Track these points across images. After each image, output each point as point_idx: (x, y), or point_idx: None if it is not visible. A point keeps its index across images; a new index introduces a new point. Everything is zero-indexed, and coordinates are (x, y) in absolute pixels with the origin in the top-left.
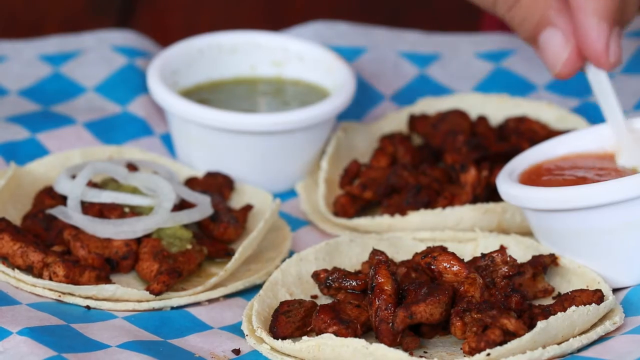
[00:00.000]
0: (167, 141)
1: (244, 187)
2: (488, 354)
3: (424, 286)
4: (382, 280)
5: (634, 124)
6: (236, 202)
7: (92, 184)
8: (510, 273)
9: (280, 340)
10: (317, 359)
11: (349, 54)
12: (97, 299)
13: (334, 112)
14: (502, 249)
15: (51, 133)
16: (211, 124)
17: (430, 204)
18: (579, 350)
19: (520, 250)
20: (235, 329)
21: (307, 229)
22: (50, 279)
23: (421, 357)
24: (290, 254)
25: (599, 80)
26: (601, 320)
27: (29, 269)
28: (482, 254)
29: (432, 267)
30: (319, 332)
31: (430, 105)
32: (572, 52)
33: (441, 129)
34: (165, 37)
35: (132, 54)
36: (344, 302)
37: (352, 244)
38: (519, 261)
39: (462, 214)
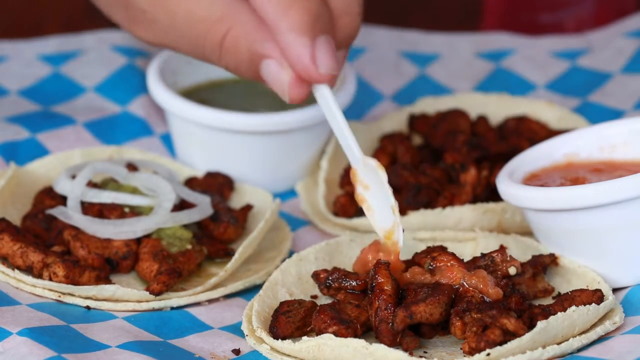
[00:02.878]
0: (167, 141)
1: (244, 187)
2: (488, 354)
3: (424, 286)
4: (382, 280)
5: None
6: (236, 202)
7: (92, 184)
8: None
9: (280, 340)
10: (317, 359)
11: (349, 54)
12: (97, 299)
13: None
14: (502, 249)
15: (51, 133)
16: (211, 124)
17: (430, 204)
18: (579, 350)
19: (520, 250)
20: (235, 329)
21: (307, 229)
22: (50, 279)
23: (421, 357)
24: (290, 254)
25: (322, 96)
26: (601, 320)
27: (29, 269)
28: (482, 253)
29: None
30: (319, 332)
31: (430, 105)
32: (292, 76)
33: (441, 128)
34: None
35: (132, 53)
36: (344, 302)
37: (352, 244)
38: (519, 261)
39: (462, 214)
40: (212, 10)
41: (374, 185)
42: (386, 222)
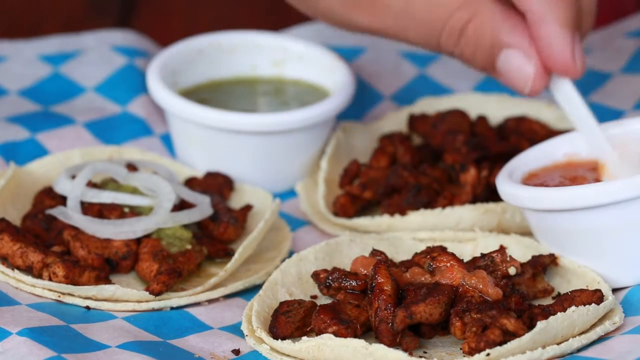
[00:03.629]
0: (167, 141)
1: (244, 187)
2: (488, 354)
3: (423, 286)
4: (382, 280)
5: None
6: (236, 202)
7: (91, 184)
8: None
9: (280, 340)
10: (317, 359)
11: (349, 54)
12: (96, 299)
13: (333, 112)
14: (502, 249)
15: (51, 133)
16: (211, 124)
17: (430, 204)
18: (579, 350)
19: (520, 250)
20: (235, 329)
21: (307, 229)
22: (50, 280)
23: (421, 357)
24: (290, 254)
25: (565, 91)
26: (601, 320)
27: (28, 270)
28: (481, 254)
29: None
30: (319, 332)
31: (430, 105)
32: (537, 67)
33: (441, 128)
34: (165, 37)
35: (132, 54)
36: (343, 302)
37: (352, 244)
38: (518, 261)
39: (461, 214)
40: None
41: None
42: None
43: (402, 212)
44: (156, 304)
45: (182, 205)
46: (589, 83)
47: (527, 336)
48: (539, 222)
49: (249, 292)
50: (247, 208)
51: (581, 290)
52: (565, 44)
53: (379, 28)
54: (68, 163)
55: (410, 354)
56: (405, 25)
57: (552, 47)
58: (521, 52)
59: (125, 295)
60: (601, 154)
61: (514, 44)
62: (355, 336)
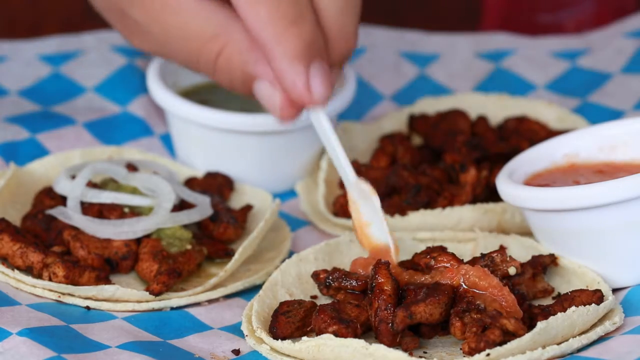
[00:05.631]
0: (167, 141)
1: (244, 187)
2: (488, 354)
3: (423, 286)
4: (382, 280)
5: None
6: (236, 202)
7: (91, 184)
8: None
9: (279, 340)
10: (316, 359)
11: None
12: (96, 300)
13: (333, 112)
14: (502, 249)
15: (51, 133)
16: (211, 124)
17: (430, 204)
18: (579, 350)
19: (520, 251)
20: (235, 330)
21: (307, 229)
22: (50, 280)
23: (421, 357)
24: (290, 254)
25: (316, 118)
26: (601, 320)
27: (28, 270)
28: (481, 254)
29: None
30: (319, 332)
31: (430, 105)
32: (283, 97)
33: (441, 129)
34: None
35: (131, 54)
36: (343, 302)
37: (352, 244)
38: (518, 261)
39: (461, 214)
40: (206, 27)
41: (367, 207)
42: (378, 238)
43: (402, 212)
44: (156, 304)
45: (182, 205)
46: (589, 83)
47: (527, 336)
48: (539, 222)
49: (249, 292)
50: (247, 208)
51: (581, 291)
52: (295, 77)
53: (152, 51)
54: (68, 163)
55: (410, 354)
56: (170, 52)
57: (285, 81)
58: (268, 83)
59: (125, 295)
60: (346, 183)
61: (261, 75)
62: (355, 336)
